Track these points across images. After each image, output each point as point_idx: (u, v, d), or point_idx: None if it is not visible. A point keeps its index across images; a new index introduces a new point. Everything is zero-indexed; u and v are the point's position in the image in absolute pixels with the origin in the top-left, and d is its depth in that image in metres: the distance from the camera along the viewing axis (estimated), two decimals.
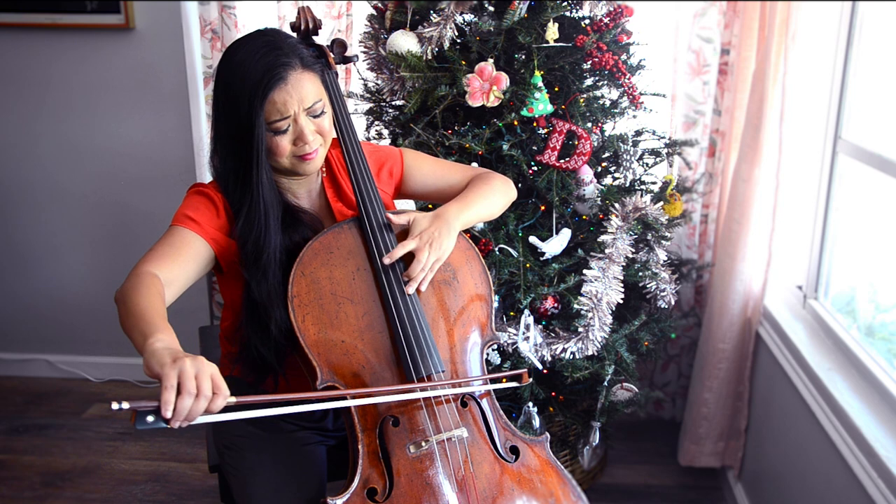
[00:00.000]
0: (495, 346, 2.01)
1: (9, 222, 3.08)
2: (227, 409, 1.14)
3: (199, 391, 1.08)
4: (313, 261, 1.44)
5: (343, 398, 1.35)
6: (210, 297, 2.98)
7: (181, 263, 1.38)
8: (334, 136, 1.52)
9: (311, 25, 1.72)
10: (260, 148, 1.39)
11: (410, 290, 1.44)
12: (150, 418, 1.07)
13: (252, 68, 1.37)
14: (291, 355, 1.47)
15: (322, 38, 1.77)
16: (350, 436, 1.41)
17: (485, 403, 1.47)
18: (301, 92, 1.39)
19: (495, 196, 1.63)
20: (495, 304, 2.04)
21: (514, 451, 1.46)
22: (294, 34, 1.71)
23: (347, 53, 1.77)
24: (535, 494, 1.42)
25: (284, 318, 1.41)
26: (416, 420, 1.39)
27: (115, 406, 1.04)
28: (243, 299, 1.46)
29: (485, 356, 1.53)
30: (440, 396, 1.41)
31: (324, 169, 1.60)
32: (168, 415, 1.07)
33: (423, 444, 1.37)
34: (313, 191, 1.58)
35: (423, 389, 1.38)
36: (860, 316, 2.08)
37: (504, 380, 1.57)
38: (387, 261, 1.44)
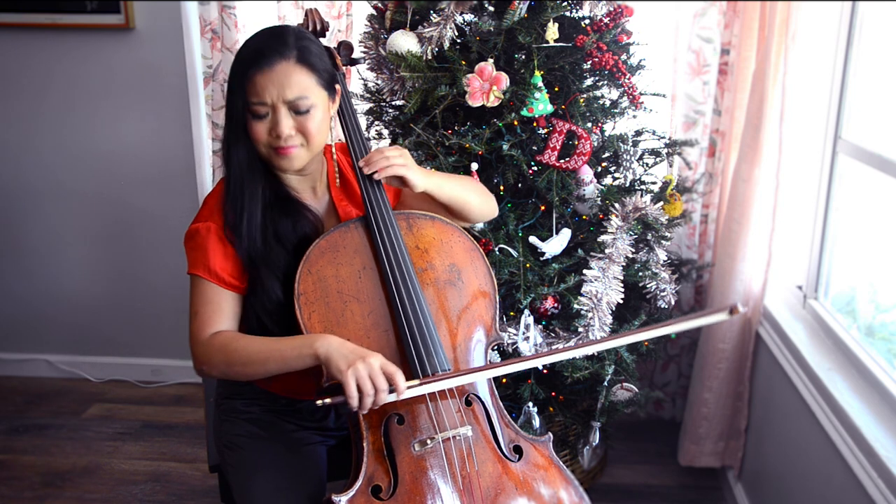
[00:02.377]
0: (496, 346, 2.01)
1: (9, 222, 3.08)
2: (416, 387, 1.33)
3: (377, 388, 1.27)
4: (320, 259, 1.44)
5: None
6: None
7: (227, 314, 1.46)
8: (329, 142, 1.52)
9: (318, 27, 1.73)
10: (236, 117, 1.42)
11: (363, 166, 1.49)
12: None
13: (248, 47, 1.42)
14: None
15: (324, 39, 1.77)
16: (354, 434, 1.41)
17: (489, 402, 1.48)
18: (283, 82, 1.39)
19: (475, 192, 1.66)
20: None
21: (518, 450, 1.47)
22: None
23: (353, 55, 1.78)
24: (538, 494, 1.42)
25: (273, 285, 1.44)
26: (420, 418, 1.40)
27: (318, 402, 1.28)
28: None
29: (489, 356, 1.54)
30: (445, 393, 1.42)
31: (337, 177, 1.60)
32: (364, 412, 1.32)
33: (428, 441, 1.38)
34: (318, 188, 1.58)
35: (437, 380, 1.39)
36: (860, 316, 2.08)
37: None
38: (362, 163, 1.50)
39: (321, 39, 1.75)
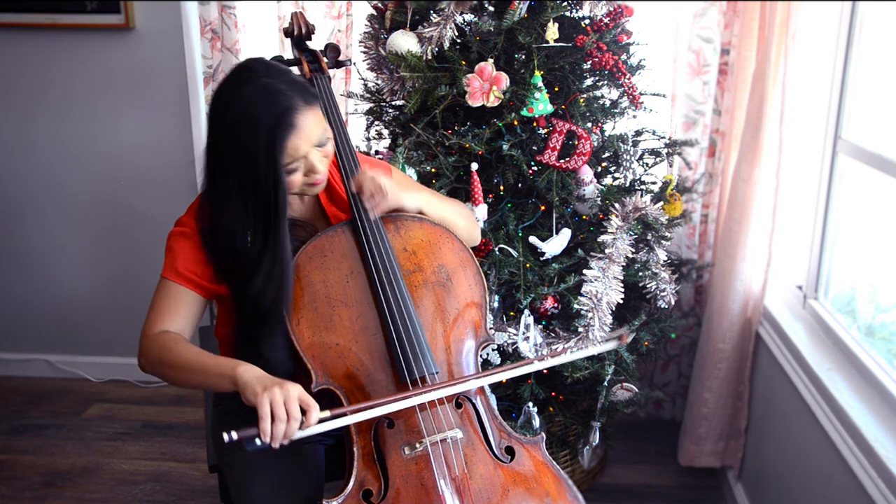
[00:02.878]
0: (495, 347, 2.01)
1: (8, 222, 3.08)
2: (328, 420, 1.28)
3: (290, 415, 1.22)
4: (307, 264, 1.44)
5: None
6: None
7: (182, 315, 1.45)
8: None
9: (304, 31, 1.73)
10: (283, 204, 1.38)
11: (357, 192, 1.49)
12: (257, 441, 1.23)
13: (258, 119, 1.33)
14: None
15: (321, 39, 1.77)
16: (345, 438, 1.41)
17: (479, 404, 1.47)
18: (311, 133, 1.37)
19: (462, 216, 1.67)
20: (495, 305, 2.04)
21: (510, 451, 1.46)
22: (287, 39, 1.72)
23: (344, 56, 1.77)
24: (531, 495, 1.42)
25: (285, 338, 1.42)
26: (410, 421, 1.40)
27: (225, 437, 1.22)
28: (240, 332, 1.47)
29: (479, 357, 1.53)
30: (437, 399, 1.41)
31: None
32: (268, 441, 1.22)
33: (418, 445, 1.37)
34: (306, 196, 1.58)
35: (420, 393, 1.37)
36: (860, 316, 2.08)
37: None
38: (355, 188, 1.50)
39: (307, 42, 1.74)
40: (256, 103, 1.34)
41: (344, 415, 1.32)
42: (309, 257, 1.45)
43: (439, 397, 1.40)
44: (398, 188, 1.52)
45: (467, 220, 1.70)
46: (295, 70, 1.65)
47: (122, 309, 3.09)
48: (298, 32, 1.72)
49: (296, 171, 1.40)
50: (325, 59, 1.69)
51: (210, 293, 1.47)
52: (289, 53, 1.88)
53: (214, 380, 1.31)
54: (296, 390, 1.24)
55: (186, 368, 1.34)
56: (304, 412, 1.24)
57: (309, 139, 1.38)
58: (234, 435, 1.21)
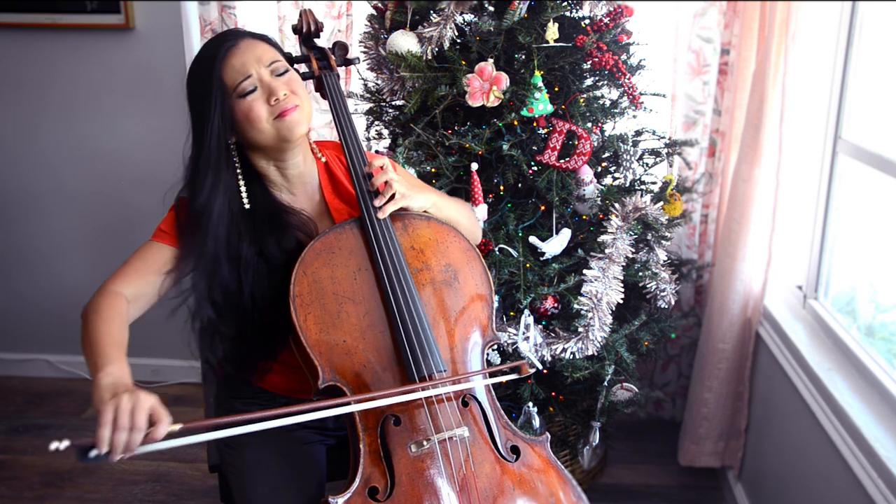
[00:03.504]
0: (495, 347, 2.01)
1: (9, 222, 3.08)
2: (176, 435, 1.17)
3: (134, 425, 1.12)
4: (315, 260, 1.44)
5: (347, 404, 1.35)
6: None
7: (150, 276, 1.44)
8: (327, 136, 1.53)
9: (312, 28, 1.73)
10: (212, 111, 1.41)
11: (377, 204, 1.48)
12: (92, 453, 1.10)
13: (205, 50, 1.46)
14: (287, 355, 1.48)
15: (322, 39, 1.77)
16: (351, 435, 1.41)
17: (485, 403, 1.48)
18: (256, 52, 1.44)
19: (465, 217, 1.69)
20: (495, 304, 2.04)
21: (515, 450, 1.46)
22: (296, 36, 1.73)
23: (348, 55, 1.78)
24: (536, 494, 1.42)
25: (232, 277, 1.44)
26: (417, 419, 1.40)
27: (52, 446, 1.07)
28: (195, 281, 1.46)
29: (486, 356, 1.53)
30: (441, 395, 1.41)
31: (322, 156, 1.61)
32: (104, 450, 1.10)
33: (425, 443, 1.38)
34: (310, 188, 1.58)
35: (423, 389, 1.38)
36: (860, 316, 2.08)
37: (503, 375, 1.57)
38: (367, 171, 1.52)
39: (316, 40, 1.75)
40: (206, 44, 1.48)
41: (197, 430, 1.21)
42: (317, 253, 1.45)
43: (437, 394, 1.40)
44: (408, 189, 1.52)
45: (469, 221, 1.71)
46: (303, 67, 1.66)
47: None
48: (307, 30, 1.72)
49: (253, 93, 1.43)
50: (333, 57, 1.70)
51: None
52: (290, 52, 1.88)
53: (90, 363, 1.27)
54: (148, 401, 1.14)
55: (87, 339, 1.31)
56: (152, 424, 1.14)
57: (256, 57, 1.44)
58: (65, 443, 1.08)
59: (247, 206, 1.49)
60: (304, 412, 1.29)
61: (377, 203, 1.49)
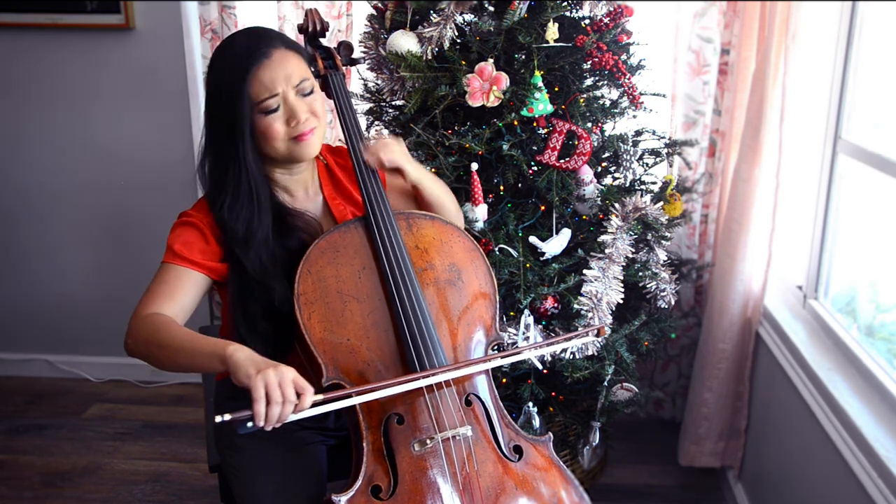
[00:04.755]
0: (495, 347, 2.01)
1: (9, 222, 3.08)
2: (319, 404, 1.26)
3: (285, 398, 1.19)
4: (319, 259, 1.44)
5: (349, 396, 1.34)
6: (210, 297, 2.98)
7: (178, 300, 1.43)
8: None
9: (318, 27, 1.73)
10: (244, 125, 1.40)
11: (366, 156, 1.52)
12: (249, 424, 1.20)
13: (235, 51, 1.41)
14: (291, 356, 1.47)
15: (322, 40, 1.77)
16: (354, 434, 1.41)
17: (489, 402, 1.48)
18: (287, 68, 1.41)
19: (451, 201, 1.69)
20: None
21: (518, 450, 1.47)
22: (301, 36, 1.73)
23: (353, 55, 1.79)
24: (538, 494, 1.42)
25: (286, 290, 1.42)
26: (420, 418, 1.40)
27: (217, 419, 1.19)
28: (232, 291, 1.46)
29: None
30: (445, 395, 1.41)
31: (323, 158, 1.61)
32: (261, 423, 1.19)
33: (428, 441, 1.38)
34: (310, 188, 1.58)
35: (424, 377, 1.37)
36: (860, 316, 2.08)
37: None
38: (365, 155, 1.53)
39: (321, 39, 1.75)
40: (238, 39, 1.43)
41: (341, 398, 1.30)
42: (321, 252, 1.45)
43: (437, 382, 1.39)
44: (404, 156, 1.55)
45: (454, 204, 1.71)
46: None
47: (123, 309, 3.07)
48: (313, 29, 1.73)
49: (275, 113, 1.41)
50: (338, 57, 1.70)
51: (211, 271, 1.46)
52: None
53: (203, 359, 1.28)
54: (290, 373, 1.21)
55: (175, 348, 1.30)
56: (298, 395, 1.21)
57: (286, 75, 1.40)
58: (227, 416, 1.18)
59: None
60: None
61: (369, 157, 1.51)
